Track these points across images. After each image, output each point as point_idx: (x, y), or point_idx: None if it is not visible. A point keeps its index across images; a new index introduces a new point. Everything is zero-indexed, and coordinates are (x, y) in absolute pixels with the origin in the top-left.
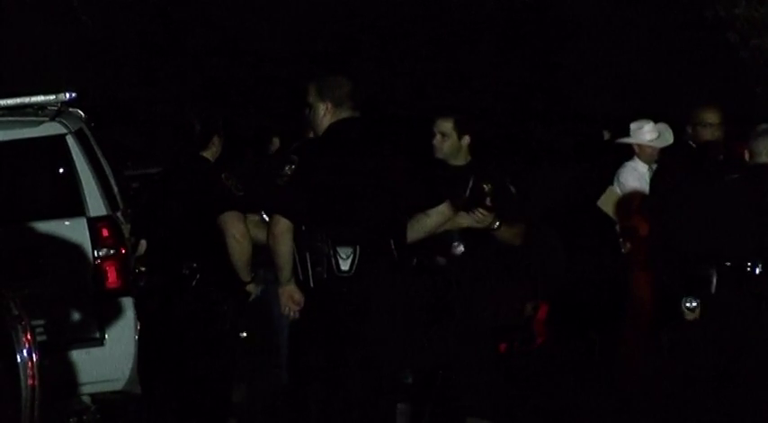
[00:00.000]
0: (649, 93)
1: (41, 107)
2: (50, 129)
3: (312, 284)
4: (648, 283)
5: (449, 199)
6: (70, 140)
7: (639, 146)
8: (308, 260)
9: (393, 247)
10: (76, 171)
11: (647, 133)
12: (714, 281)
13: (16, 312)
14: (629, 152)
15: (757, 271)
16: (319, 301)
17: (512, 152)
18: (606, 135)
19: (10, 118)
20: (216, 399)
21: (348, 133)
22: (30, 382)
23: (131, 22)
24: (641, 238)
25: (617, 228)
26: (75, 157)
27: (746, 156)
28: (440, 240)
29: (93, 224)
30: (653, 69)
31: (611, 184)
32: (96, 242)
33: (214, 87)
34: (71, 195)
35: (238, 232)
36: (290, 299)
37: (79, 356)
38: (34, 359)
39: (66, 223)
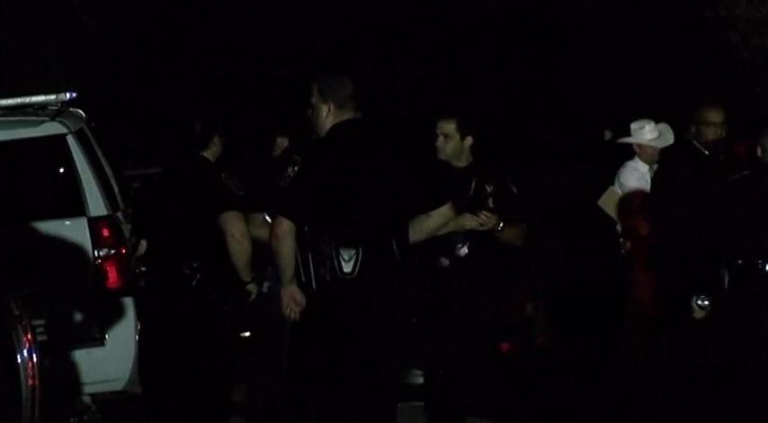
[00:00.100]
0: (649, 93)
1: (42, 107)
2: (51, 128)
3: (314, 286)
4: (648, 283)
5: (451, 200)
6: (71, 140)
7: (640, 146)
8: (311, 261)
9: (395, 247)
10: (77, 171)
11: (647, 133)
12: (726, 279)
13: (17, 312)
14: (629, 152)
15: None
16: (321, 303)
17: (512, 152)
18: (608, 135)
19: (10, 118)
20: (216, 399)
21: (350, 134)
22: (30, 382)
23: (131, 22)
24: (642, 237)
25: (617, 228)
26: (75, 157)
27: (759, 152)
28: (444, 242)
29: (94, 224)
30: (653, 69)
31: (612, 184)
32: (97, 242)
33: (214, 87)
34: (71, 195)
35: (238, 232)
36: (292, 300)
37: (80, 356)
38: (35, 359)
39: (67, 223)
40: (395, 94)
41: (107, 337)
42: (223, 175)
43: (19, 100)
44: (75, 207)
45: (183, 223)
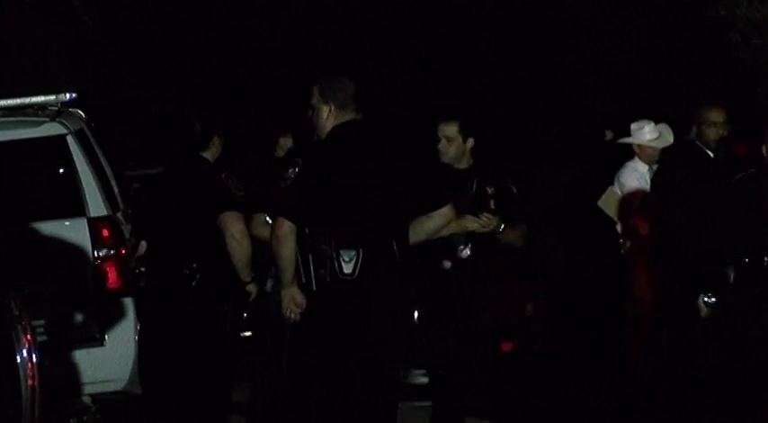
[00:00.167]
0: (649, 93)
1: (42, 107)
2: (51, 129)
3: (315, 287)
4: (648, 283)
5: (451, 201)
6: (70, 141)
7: (640, 146)
8: (311, 263)
9: (395, 248)
10: (77, 171)
11: (647, 133)
12: (731, 278)
13: (16, 313)
14: (629, 152)
15: None
16: (321, 303)
17: (512, 152)
18: (609, 135)
19: (10, 118)
20: (216, 399)
21: (351, 135)
22: (30, 382)
23: (131, 22)
24: (642, 237)
25: (617, 228)
26: (75, 158)
27: (764, 150)
28: (446, 244)
29: (94, 224)
30: (653, 69)
31: (612, 184)
32: (96, 242)
33: (214, 87)
34: (71, 196)
35: (238, 232)
36: (292, 301)
37: (79, 357)
38: (34, 360)
39: (67, 223)
40: (395, 94)
41: (107, 337)
42: (223, 175)
43: (19, 100)
44: (74, 207)
45: (182, 223)
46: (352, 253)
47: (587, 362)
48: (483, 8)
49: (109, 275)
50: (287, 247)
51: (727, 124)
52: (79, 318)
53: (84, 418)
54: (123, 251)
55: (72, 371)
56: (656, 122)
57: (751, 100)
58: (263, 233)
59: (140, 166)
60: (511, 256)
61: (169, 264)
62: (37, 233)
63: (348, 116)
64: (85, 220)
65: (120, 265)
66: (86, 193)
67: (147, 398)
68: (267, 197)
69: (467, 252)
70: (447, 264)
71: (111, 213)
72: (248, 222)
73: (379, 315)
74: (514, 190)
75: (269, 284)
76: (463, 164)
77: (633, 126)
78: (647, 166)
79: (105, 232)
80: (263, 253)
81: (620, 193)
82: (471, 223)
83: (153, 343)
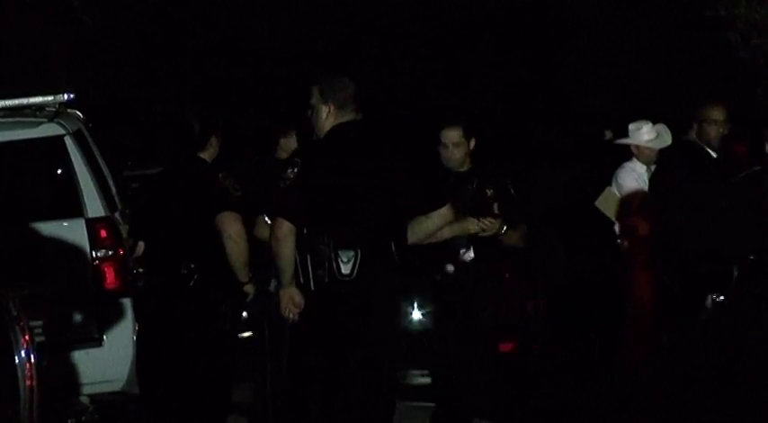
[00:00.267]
0: (649, 93)
1: (40, 108)
2: (49, 130)
3: (313, 287)
4: (648, 283)
5: (450, 201)
6: (68, 141)
7: (638, 147)
8: (310, 263)
9: (393, 249)
10: (75, 172)
11: (645, 134)
12: (735, 277)
13: (15, 313)
14: (628, 153)
15: None
16: (320, 304)
17: (512, 152)
18: (608, 135)
19: (9, 119)
20: (216, 399)
21: (350, 135)
22: (28, 382)
23: (131, 22)
24: (641, 237)
25: (616, 228)
26: (73, 158)
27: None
28: (448, 247)
29: (92, 225)
30: (653, 69)
31: (610, 184)
32: (95, 243)
33: (214, 87)
34: (69, 196)
35: (235, 232)
36: (291, 301)
37: (78, 357)
38: (32, 360)
39: (65, 224)
40: (395, 94)
41: (105, 337)
42: (220, 176)
43: (17, 101)
44: (72, 208)
45: (181, 224)
46: (351, 253)
47: (587, 362)
48: (483, 8)
49: (107, 276)
50: (286, 248)
51: (727, 123)
52: (78, 318)
53: (83, 418)
54: (121, 252)
55: (70, 371)
56: (655, 123)
57: (751, 100)
58: (265, 234)
59: (139, 166)
60: (511, 257)
61: (168, 264)
62: (35, 234)
63: (348, 116)
64: (83, 221)
65: (119, 265)
66: (84, 193)
67: (146, 398)
68: (266, 198)
69: (470, 255)
70: (450, 267)
71: (109, 214)
72: (250, 223)
73: (377, 316)
74: (512, 191)
75: (273, 285)
76: (463, 166)
77: (631, 127)
78: (644, 167)
79: (103, 233)
80: (264, 253)
81: (617, 193)
82: (473, 226)
83: (151, 343)
